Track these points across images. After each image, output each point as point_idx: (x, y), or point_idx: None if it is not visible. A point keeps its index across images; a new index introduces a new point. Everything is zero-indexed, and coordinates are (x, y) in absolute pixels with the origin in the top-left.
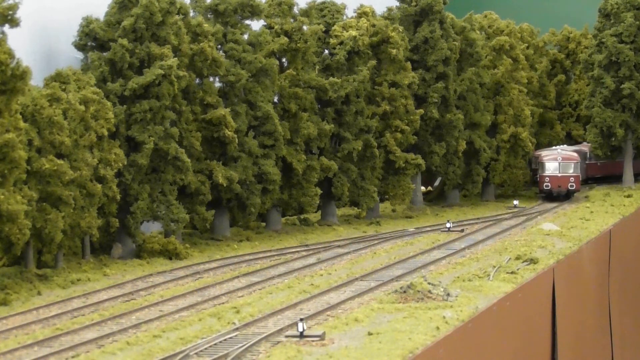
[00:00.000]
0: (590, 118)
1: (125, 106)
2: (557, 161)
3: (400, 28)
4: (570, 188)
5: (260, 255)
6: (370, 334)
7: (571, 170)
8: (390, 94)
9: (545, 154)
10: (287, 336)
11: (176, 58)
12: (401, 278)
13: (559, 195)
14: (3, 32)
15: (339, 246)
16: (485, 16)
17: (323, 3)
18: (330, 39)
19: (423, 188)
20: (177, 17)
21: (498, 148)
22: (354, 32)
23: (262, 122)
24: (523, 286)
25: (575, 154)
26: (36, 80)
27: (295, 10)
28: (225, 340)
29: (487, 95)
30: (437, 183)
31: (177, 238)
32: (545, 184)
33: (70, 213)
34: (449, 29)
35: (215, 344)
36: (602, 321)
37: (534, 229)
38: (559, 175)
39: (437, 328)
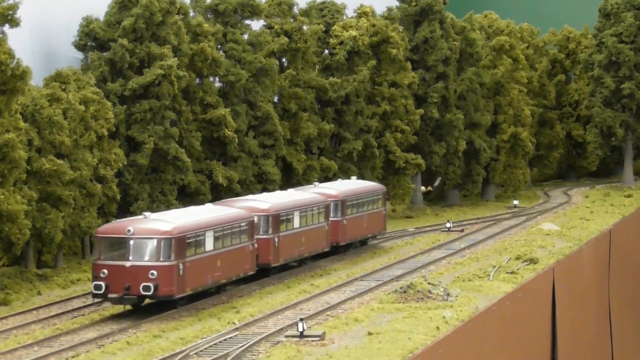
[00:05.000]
0: (590, 118)
1: (125, 106)
2: (126, 236)
3: (400, 28)
4: (144, 293)
5: None
6: (370, 334)
7: (154, 258)
8: (390, 94)
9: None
10: (287, 336)
11: (176, 58)
12: (401, 278)
13: (123, 302)
14: (3, 32)
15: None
16: (485, 16)
17: (323, 3)
18: (330, 39)
19: (423, 188)
20: (177, 17)
21: (498, 148)
22: (354, 32)
23: (262, 122)
24: (523, 286)
25: (162, 228)
26: (36, 80)
27: (295, 10)
28: (225, 340)
29: (487, 95)
30: (437, 183)
31: None
32: (98, 281)
33: (70, 213)
34: (449, 29)
35: (215, 344)
36: (602, 321)
37: (534, 229)
38: (127, 265)
39: (437, 328)
